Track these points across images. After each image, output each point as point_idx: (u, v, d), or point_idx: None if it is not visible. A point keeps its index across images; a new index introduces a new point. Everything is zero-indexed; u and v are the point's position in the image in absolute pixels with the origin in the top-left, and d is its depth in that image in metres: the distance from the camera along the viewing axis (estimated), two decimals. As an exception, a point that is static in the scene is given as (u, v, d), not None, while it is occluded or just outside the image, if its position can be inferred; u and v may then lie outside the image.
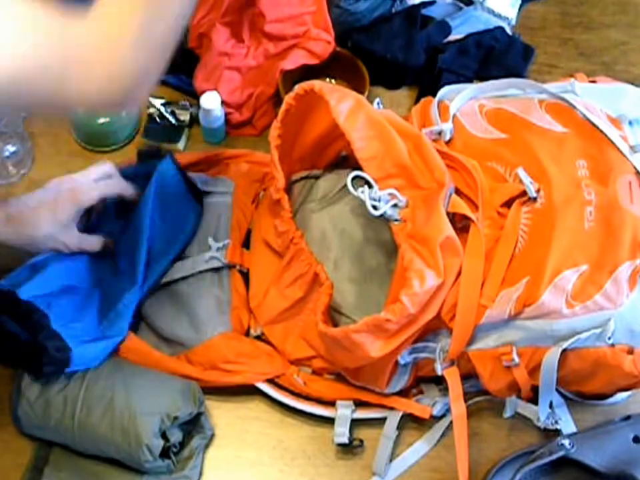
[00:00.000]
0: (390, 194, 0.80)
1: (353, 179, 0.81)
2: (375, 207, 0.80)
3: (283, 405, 0.91)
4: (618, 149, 0.83)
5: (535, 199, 0.83)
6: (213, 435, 0.89)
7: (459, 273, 0.81)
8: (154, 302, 0.95)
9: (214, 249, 0.96)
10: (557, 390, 0.90)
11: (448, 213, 0.81)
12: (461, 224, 0.83)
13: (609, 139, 0.84)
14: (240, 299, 0.95)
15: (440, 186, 0.81)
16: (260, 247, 0.95)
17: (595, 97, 0.88)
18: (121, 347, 0.90)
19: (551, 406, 0.88)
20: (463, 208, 0.82)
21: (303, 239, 0.89)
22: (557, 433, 0.89)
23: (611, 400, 0.93)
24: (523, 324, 0.80)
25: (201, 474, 0.87)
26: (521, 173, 0.84)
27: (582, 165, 0.83)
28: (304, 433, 0.90)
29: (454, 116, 0.91)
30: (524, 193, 0.83)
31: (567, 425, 0.90)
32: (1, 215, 0.87)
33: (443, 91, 0.95)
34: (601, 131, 0.84)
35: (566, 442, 0.84)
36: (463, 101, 0.92)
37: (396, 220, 0.81)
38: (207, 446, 0.89)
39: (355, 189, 0.81)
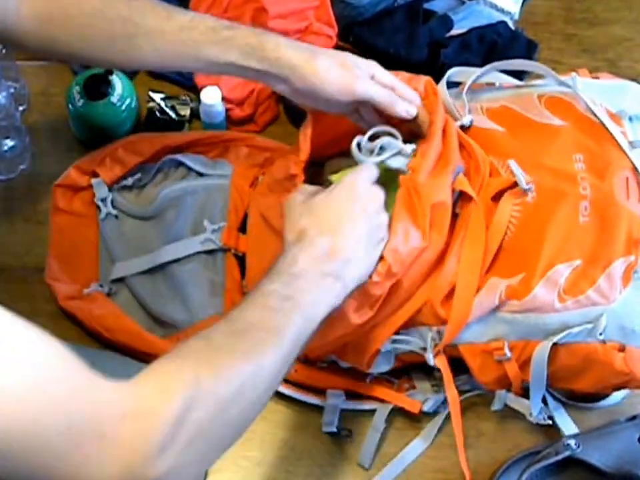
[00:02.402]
0: (389, 142, 0.80)
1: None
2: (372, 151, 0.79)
3: (288, 405, 0.91)
4: (617, 143, 0.83)
5: (525, 192, 0.82)
6: (218, 436, 0.88)
7: (443, 254, 0.80)
8: (147, 282, 0.95)
9: (209, 230, 0.95)
10: (552, 393, 0.91)
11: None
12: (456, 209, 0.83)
13: (609, 132, 0.83)
14: (234, 282, 0.94)
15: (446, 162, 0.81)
16: (260, 229, 0.93)
17: (596, 93, 0.87)
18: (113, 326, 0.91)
19: (546, 404, 0.89)
20: (467, 187, 0.81)
21: None
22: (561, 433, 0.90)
23: (611, 401, 0.93)
24: (514, 318, 0.80)
25: (206, 474, 0.87)
26: (513, 164, 0.83)
27: (579, 158, 0.83)
28: (310, 433, 0.90)
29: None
30: (515, 185, 0.83)
31: (567, 425, 0.90)
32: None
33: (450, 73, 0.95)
34: (602, 123, 0.84)
35: (572, 442, 0.85)
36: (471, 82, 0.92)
37: (404, 172, 0.80)
38: (212, 447, 0.88)
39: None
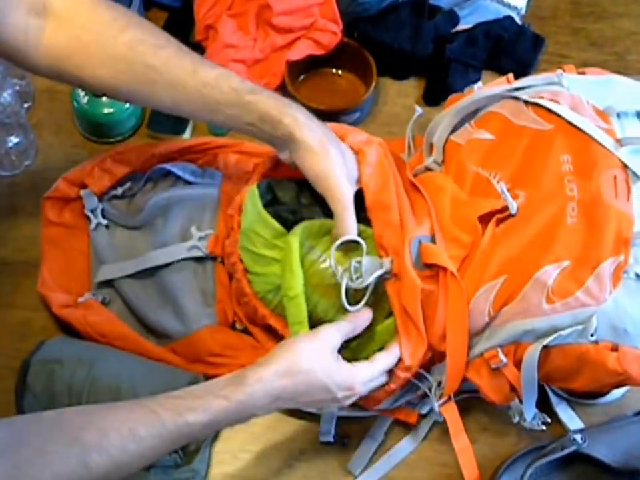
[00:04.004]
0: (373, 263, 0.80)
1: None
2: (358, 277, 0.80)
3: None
4: (601, 145, 0.80)
5: (514, 215, 0.82)
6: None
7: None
8: (140, 291, 0.95)
9: (196, 238, 0.95)
10: (553, 390, 0.90)
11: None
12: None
13: (590, 137, 0.81)
14: (224, 292, 0.94)
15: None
16: None
17: (583, 89, 0.85)
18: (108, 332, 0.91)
19: (549, 406, 0.88)
20: (439, 258, 0.81)
21: None
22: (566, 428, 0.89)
23: (612, 397, 0.92)
24: (503, 327, 0.79)
25: (207, 468, 0.86)
26: (502, 188, 0.83)
27: (566, 159, 0.81)
28: (312, 426, 0.89)
29: (449, 142, 0.92)
30: (505, 208, 0.82)
31: (571, 420, 0.89)
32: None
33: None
34: (579, 129, 0.81)
35: (578, 437, 0.83)
36: (445, 132, 0.92)
37: (386, 278, 0.81)
38: (213, 440, 0.88)
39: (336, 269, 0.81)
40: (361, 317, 0.80)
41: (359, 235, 0.82)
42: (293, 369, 0.74)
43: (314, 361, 0.75)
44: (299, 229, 0.84)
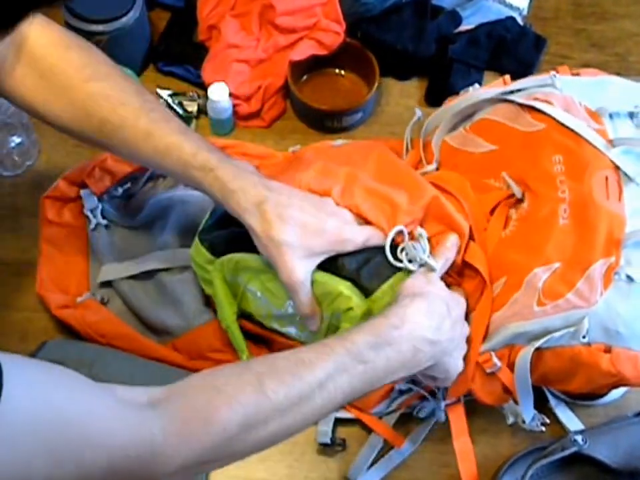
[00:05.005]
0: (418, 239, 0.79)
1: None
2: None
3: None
4: (593, 145, 0.80)
5: (520, 201, 0.82)
6: (221, 430, 0.88)
7: None
8: (139, 290, 0.95)
9: None
10: (552, 392, 0.90)
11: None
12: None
13: (582, 138, 0.80)
14: None
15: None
16: None
17: (576, 90, 0.85)
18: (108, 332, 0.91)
19: (547, 408, 0.88)
20: (480, 262, 0.81)
21: None
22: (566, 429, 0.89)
23: (610, 398, 0.92)
24: (495, 332, 0.79)
25: (209, 469, 0.86)
26: (506, 176, 0.83)
27: (558, 160, 0.80)
28: (313, 427, 0.89)
29: (443, 143, 0.91)
30: (511, 196, 0.82)
31: (571, 422, 0.90)
32: None
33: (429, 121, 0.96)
34: (571, 129, 0.81)
35: (579, 438, 0.83)
36: (442, 134, 0.92)
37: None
38: (215, 441, 0.88)
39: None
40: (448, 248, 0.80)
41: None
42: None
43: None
44: (217, 265, 0.84)
